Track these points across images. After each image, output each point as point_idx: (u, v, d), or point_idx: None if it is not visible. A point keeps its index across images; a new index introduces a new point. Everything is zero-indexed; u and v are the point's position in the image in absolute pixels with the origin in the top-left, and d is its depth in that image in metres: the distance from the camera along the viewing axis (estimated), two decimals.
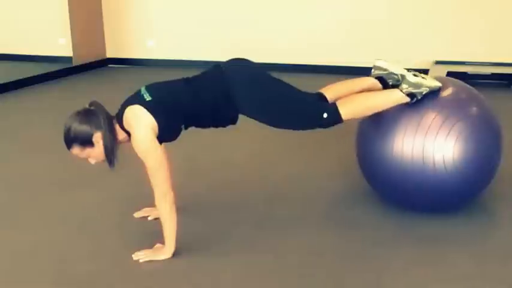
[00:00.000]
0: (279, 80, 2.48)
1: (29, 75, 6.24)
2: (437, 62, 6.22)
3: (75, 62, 6.93)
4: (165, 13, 7.18)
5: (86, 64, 7.10)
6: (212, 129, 2.57)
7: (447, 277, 2.21)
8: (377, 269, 2.28)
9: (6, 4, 6.95)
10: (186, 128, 2.48)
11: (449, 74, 5.88)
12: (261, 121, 2.47)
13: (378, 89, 2.64)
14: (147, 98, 2.34)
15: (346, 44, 6.58)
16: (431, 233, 2.58)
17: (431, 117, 2.51)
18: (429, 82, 2.54)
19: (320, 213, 2.81)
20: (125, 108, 2.34)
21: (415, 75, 2.53)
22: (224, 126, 2.53)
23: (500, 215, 2.81)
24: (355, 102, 2.50)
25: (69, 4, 6.74)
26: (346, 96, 2.54)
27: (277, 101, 2.43)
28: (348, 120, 2.47)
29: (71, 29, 6.83)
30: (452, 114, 2.51)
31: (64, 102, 5.33)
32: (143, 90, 2.40)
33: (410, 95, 2.52)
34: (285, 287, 2.17)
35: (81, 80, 6.64)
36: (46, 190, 3.18)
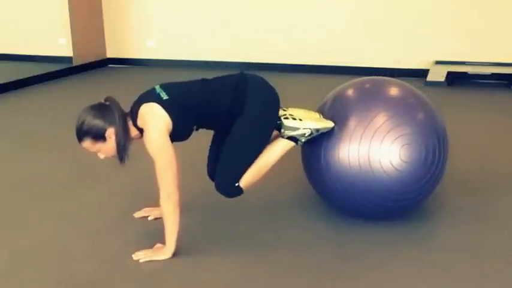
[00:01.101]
0: (270, 130, 2.51)
1: (29, 75, 6.25)
2: (437, 62, 6.22)
3: (75, 62, 6.94)
4: (165, 13, 7.18)
5: (86, 64, 7.11)
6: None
7: (447, 277, 2.21)
8: (378, 268, 2.28)
9: (6, 4, 6.95)
10: (197, 129, 2.48)
11: (449, 74, 5.89)
12: (230, 135, 2.46)
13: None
14: (164, 96, 2.34)
15: (346, 44, 6.58)
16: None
17: (379, 122, 2.44)
18: (309, 124, 2.49)
19: (321, 213, 2.81)
20: (139, 106, 2.34)
21: (286, 118, 2.50)
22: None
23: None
24: (248, 172, 2.50)
25: (69, 4, 6.75)
26: None
27: (255, 140, 2.48)
28: (248, 188, 2.52)
29: (71, 29, 6.83)
30: (397, 118, 2.45)
31: (64, 102, 5.33)
32: (158, 88, 2.40)
33: (292, 138, 2.51)
34: (285, 286, 2.18)
35: (81, 80, 6.65)
36: (46, 190, 3.18)
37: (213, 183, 2.55)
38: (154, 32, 7.32)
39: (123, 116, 2.35)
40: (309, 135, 2.50)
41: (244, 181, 2.49)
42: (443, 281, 2.19)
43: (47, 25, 7.02)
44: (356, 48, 6.53)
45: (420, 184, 2.51)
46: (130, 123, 2.38)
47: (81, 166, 3.45)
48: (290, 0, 6.70)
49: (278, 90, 2.56)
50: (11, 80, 5.99)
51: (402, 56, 6.41)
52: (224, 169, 2.50)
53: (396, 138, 2.43)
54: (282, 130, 2.52)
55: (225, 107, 2.42)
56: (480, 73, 5.97)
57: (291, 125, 2.50)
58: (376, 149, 2.43)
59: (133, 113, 2.36)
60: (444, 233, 2.61)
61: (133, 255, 2.37)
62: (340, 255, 2.40)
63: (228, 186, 2.50)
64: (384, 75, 2.86)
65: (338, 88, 2.74)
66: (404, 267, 2.29)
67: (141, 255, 2.37)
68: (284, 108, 2.57)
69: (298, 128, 2.50)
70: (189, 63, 7.16)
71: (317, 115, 2.58)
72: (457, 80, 6.00)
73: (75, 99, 4.53)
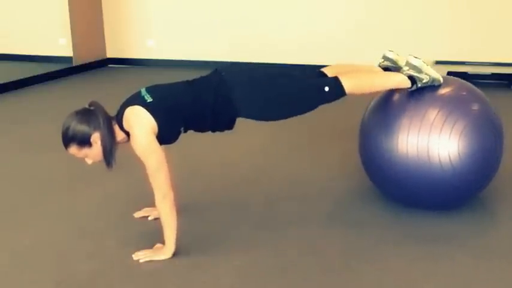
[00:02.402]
0: (275, 72, 2.48)
1: (29, 75, 6.25)
2: (437, 62, 6.21)
3: (75, 62, 6.94)
4: (165, 13, 7.18)
5: (86, 64, 7.11)
6: None
7: (448, 275, 2.21)
8: (379, 267, 2.28)
9: (6, 4, 6.95)
10: (185, 131, 2.48)
11: (449, 74, 5.89)
12: (265, 120, 2.48)
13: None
14: (148, 99, 2.34)
15: (346, 44, 6.58)
16: (433, 231, 2.58)
17: (433, 114, 2.51)
18: (431, 71, 2.55)
19: (321, 213, 2.81)
20: (125, 109, 2.34)
21: (416, 57, 2.52)
22: (221, 130, 2.53)
23: (501, 214, 2.81)
24: (356, 76, 2.51)
25: (69, 4, 6.75)
26: (348, 72, 2.55)
27: (278, 97, 2.43)
28: (351, 93, 2.45)
29: (71, 29, 6.83)
30: (454, 112, 2.52)
31: (64, 102, 5.33)
32: (144, 91, 2.40)
33: (411, 78, 2.52)
34: (285, 286, 2.17)
35: (81, 80, 6.65)
36: (46, 190, 3.18)
37: (212, 184, 2.54)
38: (154, 32, 7.31)
39: (108, 120, 2.33)
40: (425, 82, 2.51)
41: (349, 85, 2.43)
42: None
43: (47, 25, 7.02)
44: (356, 48, 6.53)
45: (476, 176, 2.58)
46: (116, 127, 2.37)
47: (81, 166, 3.44)
48: (290, 1, 6.70)
49: None
50: (11, 80, 5.98)
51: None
52: (298, 111, 2.48)
53: (454, 131, 2.49)
54: (406, 68, 2.51)
55: (209, 106, 2.39)
56: (480, 73, 5.97)
57: (416, 64, 2.49)
58: (434, 141, 2.49)
59: (120, 117, 2.35)
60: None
61: (133, 255, 2.37)
62: (345, 253, 2.40)
63: (320, 102, 2.46)
64: None
65: None
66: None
67: (141, 255, 2.37)
68: (397, 53, 2.64)
69: (421, 71, 2.50)
70: (189, 63, 7.15)
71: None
72: None
73: (75, 99, 4.52)
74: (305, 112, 2.52)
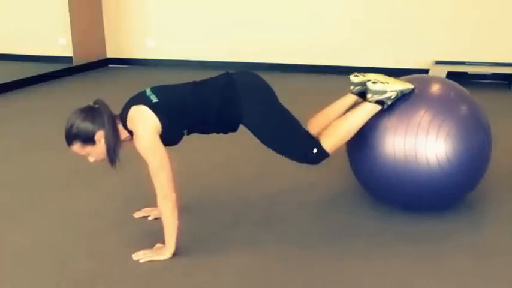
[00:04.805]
0: (282, 105, 2.50)
1: (29, 75, 6.25)
2: (437, 62, 6.22)
3: (76, 62, 6.94)
4: (165, 13, 7.18)
5: (86, 64, 7.11)
6: None
7: (443, 274, 2.21)
8: (379, 267, 2.28)
9: (7, 4, 6.95)
10: (188, 133, 2.48)
11: (449, 74, 5.89)
12: (257, 135, 2.48)
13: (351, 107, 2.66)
14: (154, 99, 2.34)
15: (346, 44, 6.58)
16: (423, 231, 2.58)
17: (421, 116, 2.50)
18: (395, 85, 2.51)
19: (321, 213, 2.81)
20: (129, 108, 2.34)
21: (374, 82, 2.50)
22: (225, 132, 2.54)
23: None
24: (334, 134, 2.51)
25: (69, 4, 6.75)
26: (326, 127, 2.56)
27: (278, 121, 2.46)
28: (334, 151, 2.51)
29: (71, 29, 6.83)
30: (440, 113, 2.50)
31: (64, 102, 5.33)
32: (149, 91, 2.40)
33: (379, 102, 2.51)
34: (285, 286, 2.18)
35: (82, 80, 6.65)
36: (46, 190, 3.18)
37: (212, 184, 2.55)
38: (154, 32, 7.32)
39: (113, 119, 2.33)
40: (395, 97, 2.51)
41: (329, 145, 2.48)
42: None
43: (47, 25, 7.03)
44: (356, 48, 6.53)
45: (465, 177, 2.57)
46: (120, 125, 2.37)
47: (81, 166, 3.45)
48: (290, 1, 6.70)
49: (278, 90, 2.56)
50: (11, 80, 5.99)
51: (402, 55, 6.41)
52: (284, 151, 2.51)
53: (440, 132, 2.48)
54: (369, 95, 2.51)
55: (214, 111, 2.40)
56: (480, 73, 5.97)
57: (378, 89, 2.49)
58: (422, 143, 2.48)
59: (124, 116, 2.35)
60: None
61: (133, 255, 2.37)
62: (343, 253, 2.40)
63: (304, 158, 2.50)
64: None
65: None
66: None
67: (141, 255, 2.37)
68: (363, 74, 2.61)
69: (385, 92, 2.50)
70: (189, 63, 7.16)
71: (393, 78, 2.58)
72: (457, 80, 5.94)
73: (75, 99, 4.52)
74: (287, 154, 2.53)
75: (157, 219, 2.65)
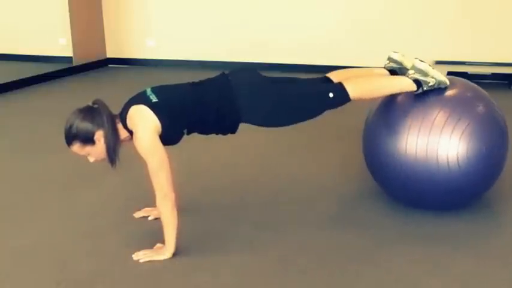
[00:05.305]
0: (281, 79, 2.49)
1: (29, 75, 6.24)
2: (437, 62, 6.21)
3: (76, 62, 6.94)
4: (165, 13, 7.18)
5: (86, 64, 7.11)
6: None
7: (449, 276, 2.21)
8: (379, 267, 2.28)
9: (6, 4, 6.95)
10: (188, 133, 2.48)
11: (449, 74, 5.87)
12: (268, 126, 2.48)
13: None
14: (153, 99, 2.34)
15: (346, 44, 6.58)
16: (435, 231, 2.58)
17: (441, 115, 2.51)
18: (437, 74, 2.54)
19: (321, 213, 2.81)
20: (129, 108, 2.34)
21: (422, 61, 2.52)
22: (224, 133, 2.53)
23: (504, 214, 2.81)
24: (361, 82, 2.50)
25: (69, 4, 6.75)
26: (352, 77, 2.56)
27: (283, 104, 2.44)
28: (356, 99, 2.45)
29: (71, 29, 6.83)
30: (461, 112, 2.52)
31: (64, 102, 5.33)
32: (149, 91, 2.40)
33: (416, 82, 2.51)
34: (285, 286, 2.17)
35: (82, 80, 6.65)
36: (46, 190, 3.18)
37: (212, 184, 2.55)
38: (154, 32, 7.31)
39: (112, 118, 2.33)
40: (431, 85, 2.50)
41: (353, 89, 2.43)
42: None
43: (47, 25, 7.02)
44: (356, 48, 6.53)
45: (481, 175, 2.58)
46: (120, 125, 2.37)
47: (81, 166, 3.45)
48: (291, 1, 6.70)
49: None
50: (11, 80, 5.98)
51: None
52: (302, 118, 2.49)
53: (455, 131, 2.48)
54: (412, 71, 2.50)
55: (213, 110, 2.39)
56: (480, 73, 5.96)
57: (423, 68, 2.48)
58: (436, 141, 2.48)
59: (123, 115, 2.36)
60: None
61: (133, 255, 2.37)
62: (344, 253, 2.40)
63: (323, 108, 2.47)
64: None
65: None
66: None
67: (141, 255, 2.37)
68: (402, 54, 2.63)
69: (427, 74, 2.49)
70: (189, 63, 7.16)
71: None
72: None
73: (75, 99, 4.51)
74: (310, 118, 2.52)
75: (158, 219, 2.64)
